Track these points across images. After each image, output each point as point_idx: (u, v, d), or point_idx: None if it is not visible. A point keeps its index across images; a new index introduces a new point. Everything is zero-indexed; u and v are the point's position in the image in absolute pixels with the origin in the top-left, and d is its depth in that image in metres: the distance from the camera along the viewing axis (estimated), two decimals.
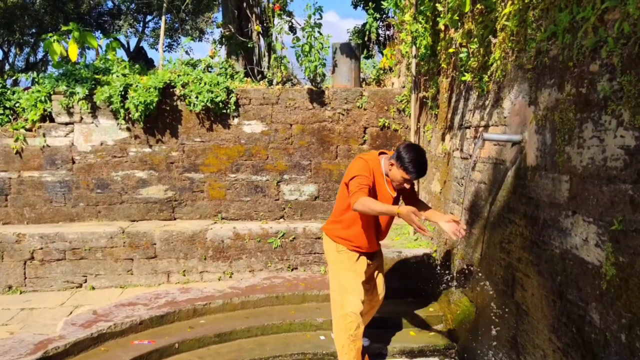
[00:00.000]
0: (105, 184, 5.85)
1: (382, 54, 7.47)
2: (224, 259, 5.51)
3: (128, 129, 5.81)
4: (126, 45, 20.31)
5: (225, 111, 5.87)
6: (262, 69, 7.18)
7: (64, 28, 6.58)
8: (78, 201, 5.83)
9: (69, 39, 6.41)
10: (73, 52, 6.16)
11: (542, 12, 2.57)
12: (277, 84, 6.23)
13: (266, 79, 6.61)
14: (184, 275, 5.46)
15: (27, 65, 20.07)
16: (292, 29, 7.02)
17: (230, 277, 5.49)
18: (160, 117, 5.83)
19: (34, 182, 5.76)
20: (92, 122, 5.78)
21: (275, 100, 5.97)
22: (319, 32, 5.91)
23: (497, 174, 3.27)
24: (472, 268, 3.68)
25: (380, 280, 3.67)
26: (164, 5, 7.66)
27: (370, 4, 7.37)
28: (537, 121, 2.68)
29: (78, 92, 5.60)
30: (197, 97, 5.73)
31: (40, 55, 20.71)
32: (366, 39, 7.91)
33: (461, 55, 3.66)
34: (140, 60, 8.45)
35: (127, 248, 5.38)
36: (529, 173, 2.77)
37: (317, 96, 6.01)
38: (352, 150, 6.05)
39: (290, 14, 6.98)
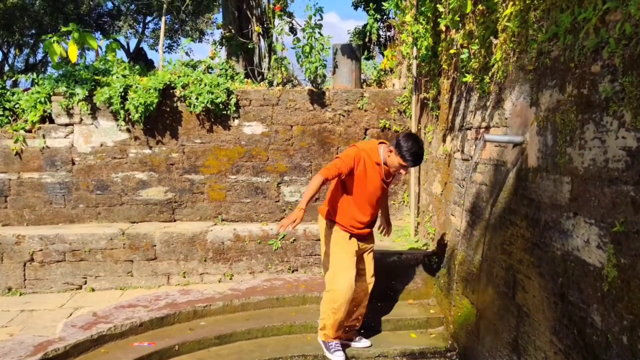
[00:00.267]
0: (105, 186, 5.84)
1: (383, 55, 7.47)
2: (224, 260, 5.50)
3: (128, 130, 5.81)
4: (126, 47, 20.33)
5: (225, 112, 5.86)
6: (263, 70, 7.18)
7: (63, 29, 6.58)
8: (78, 203, 5.82)
9: (68, 39, 6.41)
10: (73, 53, 6.16)
11: (544, 13, 2.57)
12: (278, 85, 6.22)
13: (266, 80, 6.60)
14: (184, 277, 5.45)
15: (26, 66, 20.08)
16: (293, 30, 7.01)
17: (231, 278, 5.48)
18: (160, 119, 5.82)
19: (34, 184, 5.75)
20: (92, 124, 5.77)
21: (276, 102, 5.96)
22: (319, 33, 5.91)
23: (498, 175, 3.27)
24: (473, 270, 3.67)
25: (370, 262, 3.88)
26: (164, 6, 7.65)
27: (371, 4, 7.37)
28: (538, 122, 2.67)
29: (78, 93, 5.59)
30: (197, 98, 5.72)
31: (39, 56, 20.72)
32: (367, 40, 7.90)
33: (462, 56, 3.65)
34: (140, 61, 8.44)
35: (127, 250, 5.37)
36: (530, 174, 2.76)
37: (317, 97, 6.01)
38: None
39: (290, 15, 6.97)
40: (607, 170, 2.06)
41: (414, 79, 5.30)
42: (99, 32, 19.61)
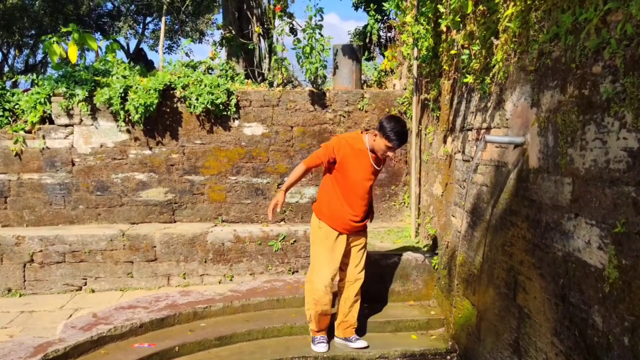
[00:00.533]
0: (105, 186, 5.84)
1: (384, 55, 7.46)
2: (224, 262, 5.49)
3: (128, 131, 5.80)
4: (126, 47, 20.33)
5: (225, 113, 5.85)
6: (263, 71, 7.17)
7: (63, 29, 6.58)
8: (78, 203, 5.81)
9: (68, 40, 6.40)
10: (72, 53, 6.15)
11: (545, 14, 2.56)
12: (278, 85, 6.22)
13: (267, 81, 6.60)
14: (185, 278, 5.45)
15: (26, 67, 20.08)
16: (293, 31, 7.00)
17: (231, 280, 5.47)
18: (161, 119, 5.82)
19: (34, 185, 5.74)
20: (92, 124, 5.76)
21: (276, 102, 5.96)
22: (319, 33, 5.90)
23: (499, 176, 3.26)
24: (474, 271, 3.66)
25: (358, 257, 3.93)
26: (164, 6, 7.65)
27: (371, 5, 7.36)
28: (539, 123, 2.66)
29: (78, 94, 5.58)
30: (197, 99, 5.71)
31: (39, 57, 20.72)
32: (367, 40, 7.90)
33: (463, 57, 3.65)
34: (140, 62, 8.44)
35: (127, 251, 5.36)
36: (531, 175, 2.76)
37: (318, 98, 6.00)
38: None
39: (291, 16, 6.96)
40: (609, 171, 2.05)
41: (415, 80, 5.30)
42: (99, 33, 19.62)
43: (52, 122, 5.78)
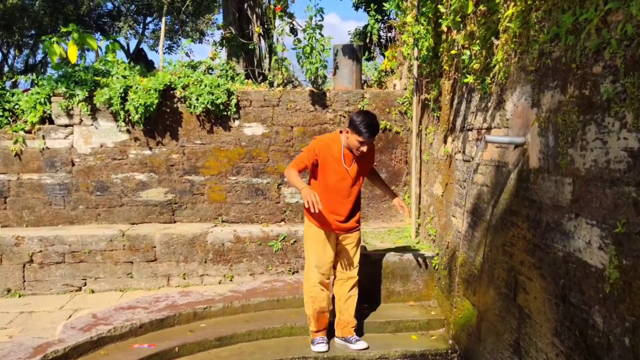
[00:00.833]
0: (105, 187, 5.83)
1: (384, 56, 7.46)
2: (224, 262, 5.49)
3: (128, 131, 5.80)
4: (126, 47, 20.33)
5: (225, 113, 5.85)
6: (263, 71, 7.17)
7: (63, 29, 6.58)
8: (77, 204, 5.81)
9: (68, 40, 6.40)
10: (72, 53, 6.15)
11: (545, 14, 2.56)
12: (278, 85, 6.22)
13: (267, 81, 6.59)
14: (184, 278, 5.44)
15: (26, 67, 20.07)
16: (294, 31, 6.99)
17: (231, 280, 5.47)
18: (161, 119, 5.82)
19: (33, 185, 5.74)
20: (92, 124, 5.76)
21: (276, 102, 5.96)
22: (320, 33, 5.90)
23: (499, 176, 3.25)
24: (474, 271, 3.66)
25: (349, 255, 3.94)
26: (164, 6, 7.65)
27: (372, 5, 7.36)
28: (539, 123, 2.66)
29: (78, 94, 5.58)
30: (197, 99, 5.71)
31: (39, 57, 20.72)
32: (367, 40, 7.89)
33: (463, 57, 3.64)
34: (140, 62, 8.43)
35: (126, 251, 5.36)
36: (532, 175, 2.75)
37: (318, 98, 6.00)
38: None
39: (291, 16, 6.95)
40: (609, 172, 2.05)
41: (415, 80, 5.29)
42: (99, 33, 19.61)
43: (52, 122, 5.78)
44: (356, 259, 3.98)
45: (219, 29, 7.75)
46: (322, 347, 3.91)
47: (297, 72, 7.14)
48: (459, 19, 3.64)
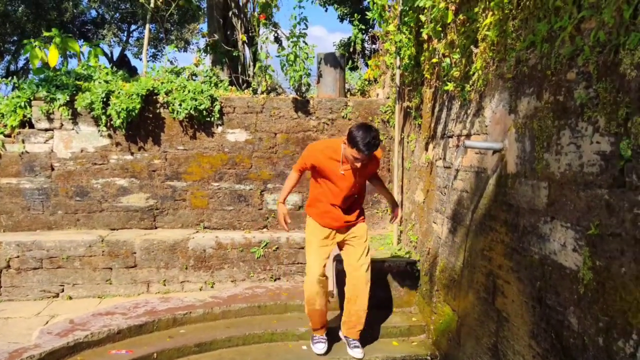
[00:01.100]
0: (84, 192, 5.76)
1: (368, 66, 7.54)
2: (205, 268, 5.45)
3: (109, 136, 5.75)
4: (109, 55, 20.17)
5: (209, 119, 5.84)
6: (248, 78, 7.19)
7: (45, 34, 6.51)
8: (56, 209, 5.72)
9: (50, 45, 6.35)
10: (53, 57, 6.10)
11: (522, 23, 2.63)
12: (262, 92, 6.24)
13: (251, 88, 6.61)
14: (165, 285, 5.38)
15: (7, 73, 19.77)
16: (278, 40, 7.04)
17: (212, 287, 5.43)
18: (143, 125, 5.78)
19: (12, 189, 5.65)
20: (73, 129, 5.70)
21: (260, 109, 5.97)
22: (304, 41, 5.95)
23: (478, 182, 3.30)
24: (454, 276, 3.69)
25: (352, 254, 3.84)
26: (149, 12, 7.64)
27: (355, 15, 7.45)
28: (516, 129, 2.72)
29: (59, 98, 5.53)
30: (180, 105, 5.70)
31: (21, 63, 20.45)
32: (351, 50, 7.98)
33: (444, 65, 3.71)
34: (124, 68, 8.39)
35: (106, 257, 5.29)
36: (509, 180, 2.80)
37: (301, 105, 6.03)
38: None
39: (275, 25, 7.00)
40: (583, 175, 2.09)
41: (397, 88, 5.36)
42: (82, 40, 19.41)
43: (32, 126, 5.71)
44: (364, 258, 3.80)
45: (203, 36, 7.75)
46: (320, 348, 3.85)
47: (281, 80, 7.18)
48: (440, 28, 3.71)
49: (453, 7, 3.47)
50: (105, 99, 5.55)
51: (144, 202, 5.86)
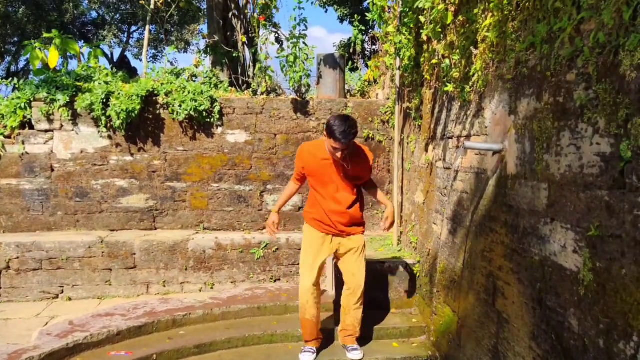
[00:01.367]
0: (84, 193, 5.76)
1: (368, 67, 7.54)
2: (205, 269, 5.44)
3: (109, 137, 5.75)
4: (110, 56, 20.20)
5: (208, 120, 5.84)
6: (247, 79, 7.19)
7: (45, 35, 6.52)
8: (56, 210, 5.72)
9: (50, 46, 6.35)
10: (53, 58, 6.10)
11: (521, 24, 2.63)
12: (262, 94, 6.24)
13: (251, 89, 6.61)
14: (164, 286, 5.37)
15: (8, 74, 19.79)
16: (278, 41, 7.04)
17: (212, 288, 5.42)
18: (143, 126, 5.78)
19: (12, 190, 5.64)
20: (73, 130, 5.70)
21: (260, 110, 5.97)
22: (304, 42, 5.95)
23: (479, 183, 3.30)
24: (454, 278, 3.69)
25: (350, 265, 3.82)
26: (149, 13, 7.64)
27: (355, 16, 7.45)
28: (516, 130, 2.71)
29: (59, 99, 5.52)
30: (180, 106, 5.69)
31: (21, 64, 20.48)
32: (352, 51, 7.98)
33: (444, 66, 3.71)
34: (124, 69, 8.40)
35: (105, 258, 5.28)
36: (509, 182, 2.80)
37: (301, 106, 6.03)
38: None
39: (275, 25, 7.00)
40: (583, 176, 2.09)
41: (397, 89, 5.36)
42: (83, 41, 19.45)
43: (32, 127, 5.70)
44: (361, 270, 3.82)
45: (203, 37, 7.76)
46: (305, 357, 3.83)
47: (281, 81, 7.19)
48: (439, 29, 3.71)
49: (453, 9, 3.47)
50: (105, 100, 5.55)
51: (144, 203, 5.86)
